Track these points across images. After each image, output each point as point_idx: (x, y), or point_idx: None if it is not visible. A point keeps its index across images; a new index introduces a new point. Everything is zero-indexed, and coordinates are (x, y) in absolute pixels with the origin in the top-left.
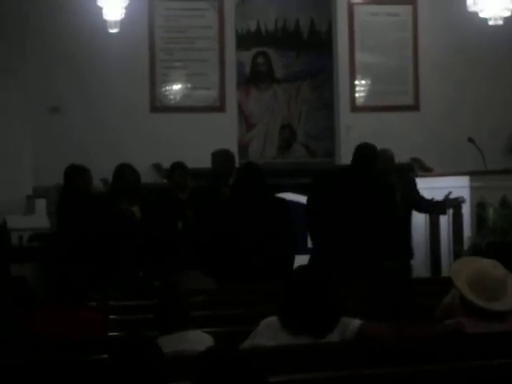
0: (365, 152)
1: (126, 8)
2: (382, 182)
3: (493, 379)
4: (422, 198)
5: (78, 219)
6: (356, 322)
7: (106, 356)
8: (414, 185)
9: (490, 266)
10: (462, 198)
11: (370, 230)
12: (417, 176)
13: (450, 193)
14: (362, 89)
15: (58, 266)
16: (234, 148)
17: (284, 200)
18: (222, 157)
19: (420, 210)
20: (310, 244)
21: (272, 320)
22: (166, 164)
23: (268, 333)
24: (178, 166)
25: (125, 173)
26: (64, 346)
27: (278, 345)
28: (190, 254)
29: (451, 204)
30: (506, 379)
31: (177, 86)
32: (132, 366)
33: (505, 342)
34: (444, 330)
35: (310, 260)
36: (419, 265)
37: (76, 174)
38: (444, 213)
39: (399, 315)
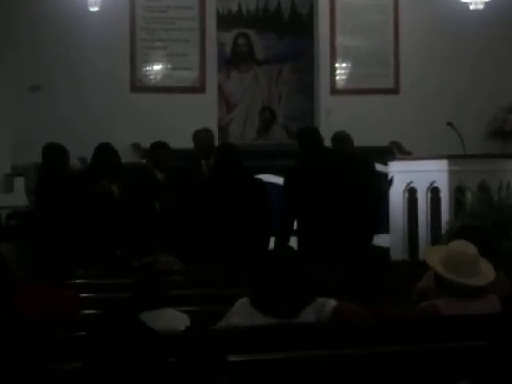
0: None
1: None
2: (359, 159)
3: (467, 360)
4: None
5: (57, 197)
6: (332, 303)
7: (82, 333)
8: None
9: (461, 245)
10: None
11: (350, 207)
12: (395, 159)
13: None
14: (343, 72)
15: (37, 245)
16: (213, 129)
17: (261, 181)
18: (205, 133)
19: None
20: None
21: (247, 300)
22: (145, 144)
23: (243, 313)
24: (161, 146)
25: (105, 152)
26: (42, 325)
27: (253, 324)
28: (164, 235)
29: (385, 187)
30: (480, 360)
31: (157, 66)
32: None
33: (479, 323)
34: (419, 312)
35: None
36: (397, 248)
37: (55, 153)
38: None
39: (375, 296)
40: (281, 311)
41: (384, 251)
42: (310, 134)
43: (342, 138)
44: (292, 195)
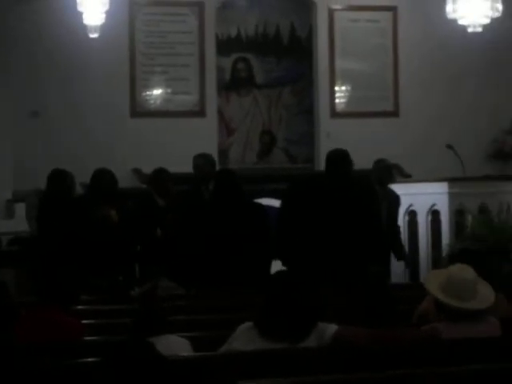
0: (335, 156)
1: (106, 13)
2: (362, 188)
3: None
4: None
5: (58, 223)
6: (333, 327)
7: (90, 360)
8: (397, 202)
9: (459, 270)
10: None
11: (348, 235)
12: (395, 182)
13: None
14: (342, 95)
15: (40, 270)
16: (214, 153)
17: (261, 205)
18: (203, 159)
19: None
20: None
21: (249, 325)
22: (146, 169)
23: (245, 338)
24: (162, 172)
25: (102, 177)
26: (47, 351)
27: (255, 349)
28: (165, 260)
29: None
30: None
31: (157, 91)
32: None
33: (480, 347)
34: (420, 336)
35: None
36: (397, 271)
37: (57, 178)
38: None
39: (377, 321)
40: (285, 336)
41: (382, 275)
42: (336, 162)
43: (381, 166)
44: (291, 216)
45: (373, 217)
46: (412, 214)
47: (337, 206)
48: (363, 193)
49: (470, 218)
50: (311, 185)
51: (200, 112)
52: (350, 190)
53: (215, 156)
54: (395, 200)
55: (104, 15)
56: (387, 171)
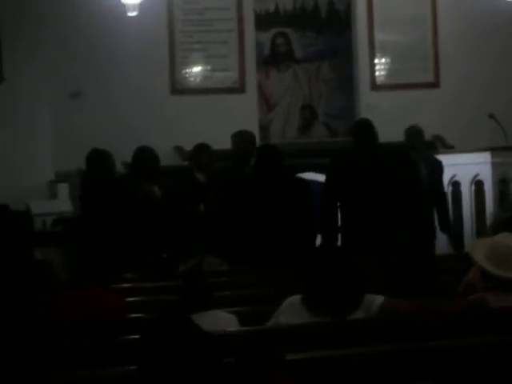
0: (360, 127)
1: None
2: (394, 156)
3: None
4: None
5: (101, 202)
6: (379, 299)
7: (136, 337)
8: (440, 168)
9: (503, 238)
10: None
11: (382, 206)
12: (438, 153)
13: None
14: (382, 67)
15: (84, 249)
16: (255, 129)
17: (303, 179)
18: (241, 138)
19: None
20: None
21: (295, 299)
22: (187, 146)
23: (292, 312)
24: (204, 147)
25: (144, 155)
26: (91, 329)
27: (303, 323)
28: (208, 237)
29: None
30: None
31: (196, 69)
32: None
33: None
34: (467, 306)
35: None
36: (442, 241)
37: (98, 159)
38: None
39: (422, 291)
40: (334, 310)
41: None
42: (363, 130)
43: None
44: (334, 191)
45: (407, 187)
46: (455, 185)
47: (368, 179)
48: (394, 161)
49: None
50: (348, 159)
51: (240, 88)
52: (381, 160)
53: (256, 132)
54: (438, 166)
55: None
56: (416, 136)
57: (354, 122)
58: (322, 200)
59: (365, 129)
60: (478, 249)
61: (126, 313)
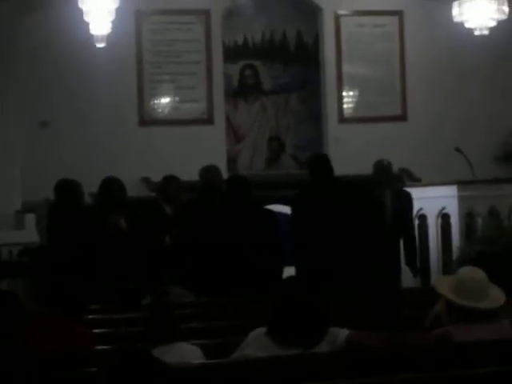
0: (315, 162)
1: (112, 22)
2: (364, 195)
3: None
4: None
5: (68, 233)
6: (344, 332)
7: (94, 370)
8: (409, 200)
9: (469, 271)
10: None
11: (355, 242)
12: (405, 186)
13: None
14: (350, 100)
15: (53, 279)
16: (222, 160)
17: (271, 211)
18: (209, 172)
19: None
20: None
21: (261, 331)
22: (155, 177)
23: (257, 344)
24: (172, 179)
25: (111, 186)
26: (56, 361)
27: (268, 356)
28: (175, 268)
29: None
30: None
31: (165, 100)
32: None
33: (492, 349)
34: (433, 339)
35: (297, 271)
36: (408, 274)
37: (66, 189)
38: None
39: (389, 324)
40: (299, 342)
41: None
42: (319, 163)
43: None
44: (301, 225)
45: (371, 222)
46: (422, 218)
47: (332, 212)
48: (358, 195)
49: (479, 220)
50: (311, 193)
51: (208, 120)
52: (344, 194)
53: (224, 163)
54: (407, 198)
55: (110, 25)
56: (384, 170)
57: (310, 155)
58: (295, 234)
59: (321, 162)
60: (443, 282)
61: (93, 345)
